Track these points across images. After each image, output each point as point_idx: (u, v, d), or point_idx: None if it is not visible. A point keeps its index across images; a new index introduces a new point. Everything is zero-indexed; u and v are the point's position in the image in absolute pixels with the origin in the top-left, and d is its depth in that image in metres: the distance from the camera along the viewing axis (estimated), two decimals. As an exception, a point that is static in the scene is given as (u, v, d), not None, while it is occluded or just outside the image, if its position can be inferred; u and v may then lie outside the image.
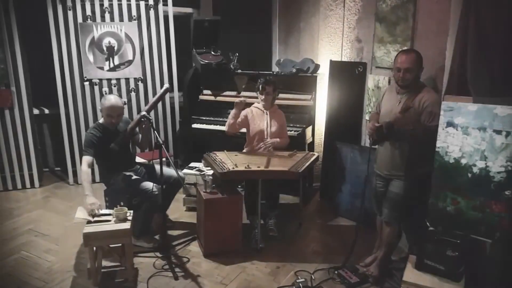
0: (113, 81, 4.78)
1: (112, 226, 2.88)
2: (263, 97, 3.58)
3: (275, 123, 3.64)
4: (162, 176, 3.17)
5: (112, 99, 3.32)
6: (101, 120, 3.43)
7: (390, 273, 3.06)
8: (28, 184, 4.73)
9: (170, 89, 3.43)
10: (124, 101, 4.58)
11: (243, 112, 3.67)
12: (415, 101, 2.73)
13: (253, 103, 3.77)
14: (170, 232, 3.66)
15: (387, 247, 3.04)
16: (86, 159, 3.29)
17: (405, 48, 3.43)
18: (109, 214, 2.98)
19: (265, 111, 3.64)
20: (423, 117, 2.71)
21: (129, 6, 4.71)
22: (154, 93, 4.94)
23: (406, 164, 2.81)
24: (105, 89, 4.75)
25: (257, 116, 3.66)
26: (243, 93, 4.52)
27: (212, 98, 4.67)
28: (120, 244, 2.98)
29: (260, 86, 3.57)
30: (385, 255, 3.06)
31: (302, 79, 4.32)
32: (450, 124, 2.49)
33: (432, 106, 2.67)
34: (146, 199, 3.29)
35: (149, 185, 3.29)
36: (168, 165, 3.35)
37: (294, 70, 4.36)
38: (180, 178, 3.36)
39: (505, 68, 2.73)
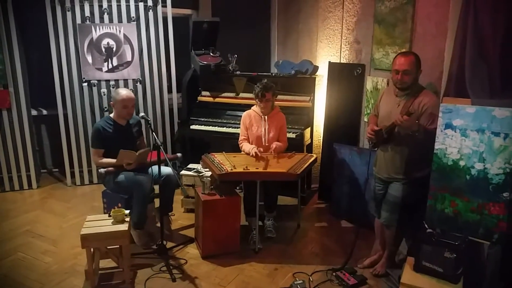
0: (112, 82, 4.77)
1: (109, 227, 2.87)
2: (262, 104, 3.50)
3: (274, 128, 3.60)
4: (160, 173, 3.17)
5: (124, 91, 3.44)
6: (111, 115, 3.46)
7: (387, 275, 3.05)
8: (25, 185, 4.71)
9: (180, 158, 3.79)
10: (131, 89, 4.71)
11: (242, 120, 3.67)
12: (414, 104, 2.71)
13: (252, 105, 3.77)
14: (168, 234, 3.65)
15: (391, 246, 3.04)
16: (96, 152, 3.40)
17: (403, 50, 3.43)
18: None
19: (263, 116, 3.60)
20: (422, 120, 2.69)
21: (128, 7, 4.71)
22: (153, 95, 4.94)
23: (405, 167, 2.81)
24: (104, 90, 4.74)
25: (255, 121, 3.63)
26: (241, 94, 4.52)
27: (210, 99, 4.67)
28: (117, 246, 2.97)
29: (260, 94, 3.46)
30: (391, 253, 3.07)
31: (301, 81, 4.32)
32: (448, 126, 2.49)
33: (431, 109, 2.66)
34: (135, 189, 3.28)
35: (140, 176, 3.32)
36: (166, 164, 3.34)
37: (292, 72, 4.36)
38: (176, 174, 3.36)
39: (503, 70, 2.73)
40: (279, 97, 3.95)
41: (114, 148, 3.29)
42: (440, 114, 2.51)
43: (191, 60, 4.75)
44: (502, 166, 2.33)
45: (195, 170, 4.09)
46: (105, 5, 4.62)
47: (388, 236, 3.00)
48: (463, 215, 2.49)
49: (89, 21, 4.61)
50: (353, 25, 4.10)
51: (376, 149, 2.98)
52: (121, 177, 3.33)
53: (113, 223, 2.91)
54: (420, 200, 2.75)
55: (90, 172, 4.89)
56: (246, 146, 3.61)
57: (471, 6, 2.78)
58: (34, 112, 4.96)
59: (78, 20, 4.57)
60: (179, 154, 3.72)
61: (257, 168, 3.28)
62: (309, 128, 4.26)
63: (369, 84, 3.92)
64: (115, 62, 4.76)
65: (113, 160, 3.32)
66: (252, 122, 3.63)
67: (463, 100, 2.63)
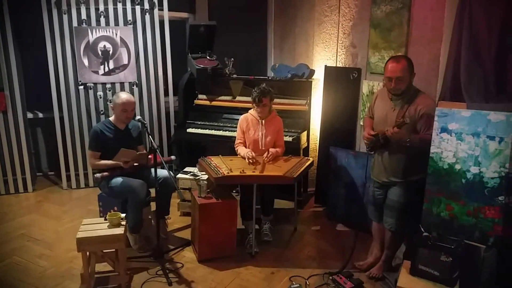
0: (108, 85, 4.76)
1: (105, 231, 2.86)
2: (259, 109, 3.50)
3: (271, 132, 3.60)
4: (157, 177, 3.17)
5: (125, 94, 3.43)
6: (111, 118, 3.46)
7: (384, 278, 3.06)
8: (21, 189, 4.69)
9: (175, 161, 3.99)
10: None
11: (239, 123, 3.67)
12: (410, 110, 2.70)
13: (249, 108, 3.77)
14: (164, 237, 3.64)
15: (391, 250, 3.05)
16: (93, 154, 3.38)
17: (399, 54, 3.45)
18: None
19: (260, 120, 3.60)
20: (419, 125, 2.68)
21: (124, 10, 4.71)
22: (149, 98, 4.94)
23: (403, 171, 2.80)
24: (100, 93, 4.73)
25: (252, 125, 3.63)
26: (238, 98, 4.52)
27: (207, 102, 4.67)
28: (113, 250, 2.96)
29: (257, 98, 3.45)
30: (388, 257, 3.07)
31: (297, 84, 4.33)
32: (444, 129, 2.51)
33: (428, 115, 2.64)
34: (128, 195, 3.28)
35: (134, 182, 3.30)
36: (163, 167, 3.35)
37: (289, 75, 4.37)
38: (171, 176, 3.36)
39: (498, 74, 2.75)
40: (276, 100, 3.96)
41: (111, 152, 3.28)
42: (436, 118, 2.53)
43: (188, 63, 4.75)
44: (498, 170, 2.35)
45: (191, 173, 4.09)
46: (101, 8, 4.62)
47: (390, 238, 3.00)
48: (459, 219, 2.50)
49: (86, 24, 4.61)
50: (349, 29, 4.12)
51: (373, 152, 2.98)
52: (115, 182, 3.32)
53: (109, 227, 2.90)
54: (418, 203, 2.75)
55: (86, 175, 4.87)
56: (241, 150, 3.61)
57: (466, 11, 2.81)
58: (30, 115, 4.94)
59: (75, 23, 4.56)
60: (173, 157, 3.73)
61: (254, 172, 3.28)
62: (306, 132, 4.27)
63: (365, 88, 3.94)
64: (111, 65, 4.75)
65: (110, 162, 3.32)
66: (249, 126, 3.63)
67: (459, 104, 2.65)
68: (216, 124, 4.48)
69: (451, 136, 2.49)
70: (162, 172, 3.43)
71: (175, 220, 4.02)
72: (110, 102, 4.19)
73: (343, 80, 4.10)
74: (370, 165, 3.05)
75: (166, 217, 3.73)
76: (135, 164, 3.41)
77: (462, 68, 2.83)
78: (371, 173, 3.05)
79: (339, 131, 4.17)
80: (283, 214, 4.14)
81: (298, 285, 2.91)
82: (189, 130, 4.50)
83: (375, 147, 2.87)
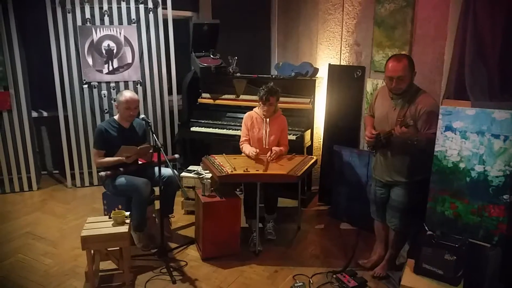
0: (112, 84, 4.78)
1: (110, 229, 2.87)
2: (265, 107, 3.51)
3: (275, 131, 3.60)
4: (161, 175, 3.17)
5: (128, 92, 3.45)
6: (115, 117, 3.48)
7: (388, 277, 3.05)
8: (26, 187, 4.71)
9: (179, 160, 3.97)
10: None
11: (244, 121, 3.68)
12: (411, 109, 2.68)
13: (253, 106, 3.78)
14: (168, 236, 3.65)
15: (394, 249, 3.04)
16: (98, 153, 3.38)
17: (403, 52, 3.44)
18: None
19: (265, 119, 3.60)
20: (420, 125, 2.67)
21: (128, 9, 4.72)
22: (153, 97, 4.95)
23: (406, 171, 2.79)
24: (104, 92, 4.75)
25: (257, 123, 3.63)
26: (242, 97, 4.52)
27: (211, 101, 4.68)
28: (118, 248, 2.97)
29: (264, 97, 3.47)
30: (393, 256, 3.06)
31: (301, 83, 4.33)
32: (448, 128, 2.50)
33: (428, 113, 2.62)
34: (132, 194, 3.29)
35: (138, 180, 3.31)
36: (167, 166, 3.35)
37: (293, 74, 4.37)
38: (175, 175, 3.36)
39: (503, 73, 2.74)
40: (280, 99, 3.96)
41: (116, 150, 3.29)
42: (440, 116, 2.52)
43: (191, 62, 4.76)
44: (502, 168, 2.34)
45: (195, 172, 4.10)
46: (105, 7, 4.63)
47: (394, 237, 2.99)
48: (463, 217, 2.49)
49: (90, 23, 4.62)
50: (353, 28, 4.11)
51: (374, 151, 2.97)
52: (120, 181, 3.33)
53: (114, 225, 2.91)
54: (422, 202, 2.74)
55: (90, 173, 4.89)
56: (246, 148, 3.61)
57: (470, 9, 2.80)
58: (34, 114, 4.97)
59: (79, 22, 4.58)
60: (176, 155, 3.74)
61: (258, 170, 3.28)
62: (310, 130, 4.27)
63: (369, 86, 3.93)
64: (115, 64, 4.76)
65: (113, 158, 3.33)
66: (253, 124, 3.64)
67: (463, 102, 2.64)
68: (219, 122, 4.48)
69: (455, 134, 2.48)
70: (166, 171, 3.44)
71: (179, 218, 4.03)
72: (114, 101, 4.21)
73: (347, 78, 4.10)
74: (372, 164, 3.04)
75: (170, 215, 3.74)
76: (140, 162, 3.42)
77: (466, 66, 2.82)
78: (373, 172, 3.04)
79: (343, 130, 4.16)
80: (287, 212, 4.14)
81: (301, 283, 2.91)
82: (193, 128, 4.51)
83: (376, 146, 2.86)
